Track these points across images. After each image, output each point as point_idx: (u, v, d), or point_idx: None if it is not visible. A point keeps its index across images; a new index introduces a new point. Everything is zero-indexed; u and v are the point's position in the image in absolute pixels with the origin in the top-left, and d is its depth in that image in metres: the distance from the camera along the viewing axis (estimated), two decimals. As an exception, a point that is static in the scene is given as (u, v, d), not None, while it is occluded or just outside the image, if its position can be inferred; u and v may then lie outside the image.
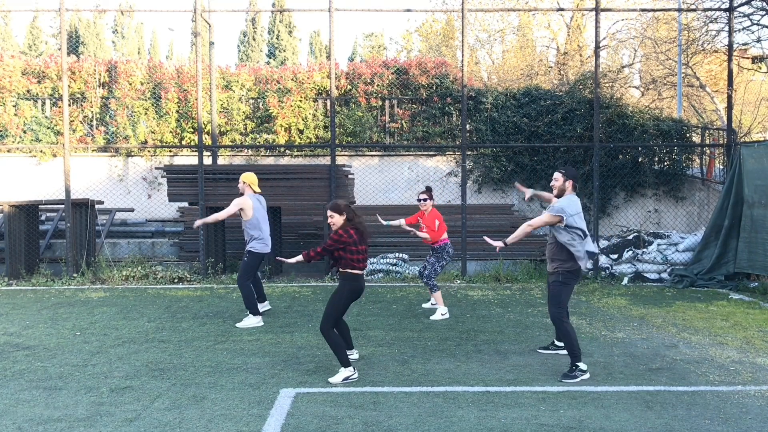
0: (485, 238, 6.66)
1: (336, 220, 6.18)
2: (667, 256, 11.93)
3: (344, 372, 6.08)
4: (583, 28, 24.52)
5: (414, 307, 9.44)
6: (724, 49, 13.76)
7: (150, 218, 14.94)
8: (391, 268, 12.05)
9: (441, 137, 15.28)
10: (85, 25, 44.42)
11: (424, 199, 8.90)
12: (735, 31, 12.69)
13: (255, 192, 8.65)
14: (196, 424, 5.01)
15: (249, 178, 8.63)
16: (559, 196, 6.55)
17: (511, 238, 6.54)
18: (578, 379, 6.06)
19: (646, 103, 19.41)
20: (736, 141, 12.58)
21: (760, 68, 18.08)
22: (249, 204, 8.45)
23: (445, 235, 8.94)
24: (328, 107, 13.67)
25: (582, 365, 6.17)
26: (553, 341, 7.10)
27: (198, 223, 8.94)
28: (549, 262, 6.52)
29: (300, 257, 6.45)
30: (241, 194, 8.62)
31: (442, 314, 8.76)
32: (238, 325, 8.26)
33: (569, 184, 6.50)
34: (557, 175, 6.56)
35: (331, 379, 6.06)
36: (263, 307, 8.84)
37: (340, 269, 6.24)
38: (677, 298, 10.22)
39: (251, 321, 8.30)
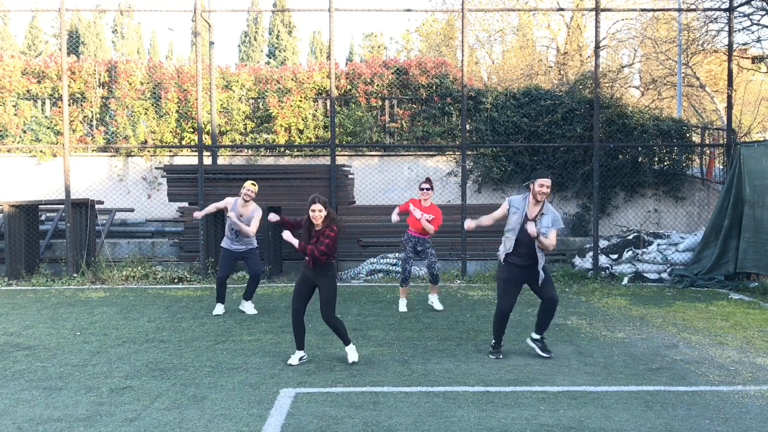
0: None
1: (323, 214, 6.32)
2: (667, 256, 11.92)
3: (352, 347, 6.59)
4: (583, 28, 24.53)
5: (414, 307, 9.44)
6: (724, 49, 13.76)
7: (150, 218, 14.93)
8: (391, 268, 12.05)
9: (441, 137, 15.27)
10: (85, 25, 44.41)
11: (430, 188, 8.91)
12: (735, 31, 12.69)
13: None
14: (196, 424, 5.01)
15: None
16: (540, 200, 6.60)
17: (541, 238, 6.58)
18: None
19: (646, 103, 19.42)
20: (736, 141, 12.57)
21: (760, 68, 18.08)
22: None
23: None
24: (328, 107, 13.66)
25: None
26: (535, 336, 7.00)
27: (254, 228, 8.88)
28: (537, 258, 6.68)
29: (297, 243, 6.48)
30: (248, 200, 8.77)
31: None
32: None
33: None
34: (548, 182, 6.55)
35: (350, 359, 6.51)
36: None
37: (327, 261, 6.39)
38: (677, 298, 10.22)
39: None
